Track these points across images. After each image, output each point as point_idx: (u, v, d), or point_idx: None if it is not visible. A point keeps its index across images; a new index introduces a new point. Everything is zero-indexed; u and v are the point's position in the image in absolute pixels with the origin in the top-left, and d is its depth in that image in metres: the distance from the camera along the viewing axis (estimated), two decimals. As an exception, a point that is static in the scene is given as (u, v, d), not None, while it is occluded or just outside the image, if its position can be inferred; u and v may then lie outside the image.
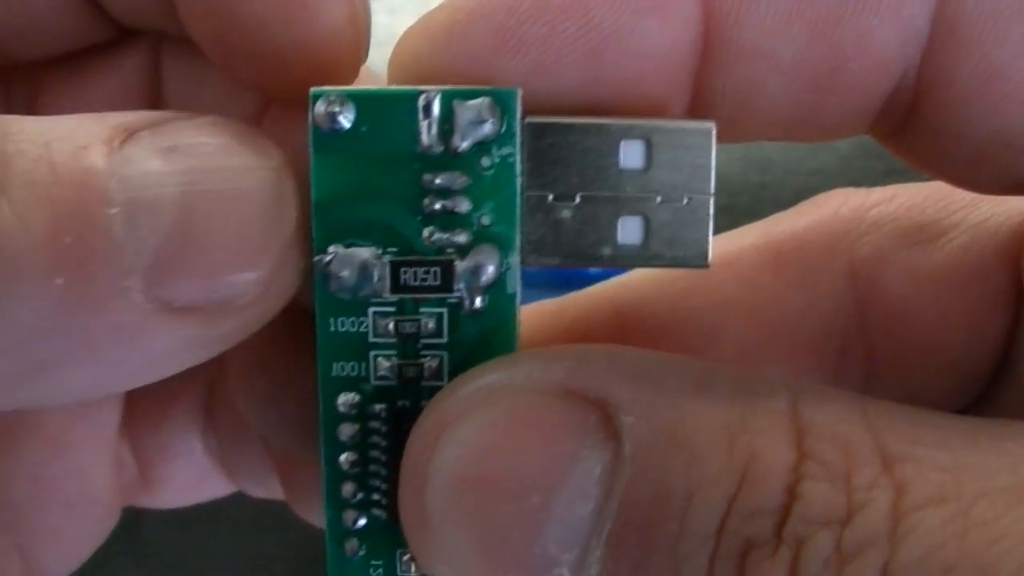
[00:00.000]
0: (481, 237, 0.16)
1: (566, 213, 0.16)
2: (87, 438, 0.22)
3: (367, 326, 0.16)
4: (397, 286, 0.16)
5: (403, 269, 0.16)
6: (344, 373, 0.17)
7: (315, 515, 0.22)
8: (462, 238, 0.16)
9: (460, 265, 0.16)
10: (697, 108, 0.17)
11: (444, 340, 0.16)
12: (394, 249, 0.16)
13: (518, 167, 0.16)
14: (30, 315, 0.14)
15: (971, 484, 0.13)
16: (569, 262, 0.16)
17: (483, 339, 0.16)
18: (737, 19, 0.16)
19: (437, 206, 0.16)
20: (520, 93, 0.16)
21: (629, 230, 0.16)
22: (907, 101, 0.17)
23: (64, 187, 0.14)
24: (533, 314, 0.20)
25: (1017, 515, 0.13)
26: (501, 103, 0.16)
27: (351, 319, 0.16)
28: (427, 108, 0.16)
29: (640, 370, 0.15)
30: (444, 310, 0.16)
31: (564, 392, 0.15)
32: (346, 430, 0.17)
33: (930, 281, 0.19)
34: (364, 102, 0.16)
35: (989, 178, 0.17)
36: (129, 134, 0.15)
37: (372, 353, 0.16)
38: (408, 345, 0.17)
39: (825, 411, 0.14)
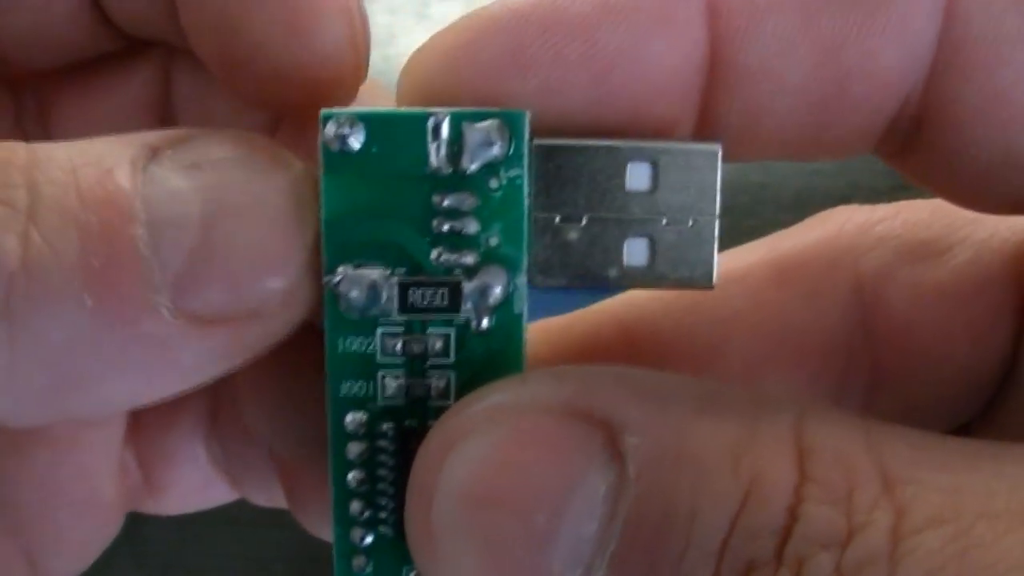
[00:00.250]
0: (489, 258, 0.16)
1: (573, 234, 0.16)
2: (93, 443, 0.22)
3: (375, 346, 0.17)
4: (405, 306, 0.16)
5: (411, 289, 0.16)
6: (352, 392, 0.17)
7: (319, 527, 0.23)
8: (470, 259, 0.16)
9: (468, 286, 0.16)
10: (703, 128, 0.17)
11: (451, 360, 0.17)
12: (403, 269, 0.16)
13: (526, 189, 0.16)
14: (62, 334, 0.15)
15: (971, 506, 0.14)
16: (576, 283, 0.16)
17: (490, 359, 0.17)
18: (743, 40, 0.16)
19: (446, 227, 0.16)
20: (529, 115, 0.16)
21: (635, 252, 0.16)
22: (912, 122, 0.17)
23: (91, 211, 0.15)
24: (540, 331, 0.20)
25: (1016, 538, 0.13)
26: (510, 125, 0.16)
27: (359, 338, 0.16)
28: (436, 130, 0.16)
29: (645, 390, 0.15)
30: (452, 330, 0.16)
31: (570, 412, 0.15)
32: (354, 448, 0.17)
33: (934, 297, 0.19)
34: (374, 123, 0.16)
35: (993, 198, 0.17)
36: (152, 153, 0.16)
37: (380, 372, 0.17)
38: (416, 365, 0.17)
39: (828, 432, 0.15)
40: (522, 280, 0.16)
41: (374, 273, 0.16)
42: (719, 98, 0.17)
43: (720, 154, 0.16)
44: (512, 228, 0.16)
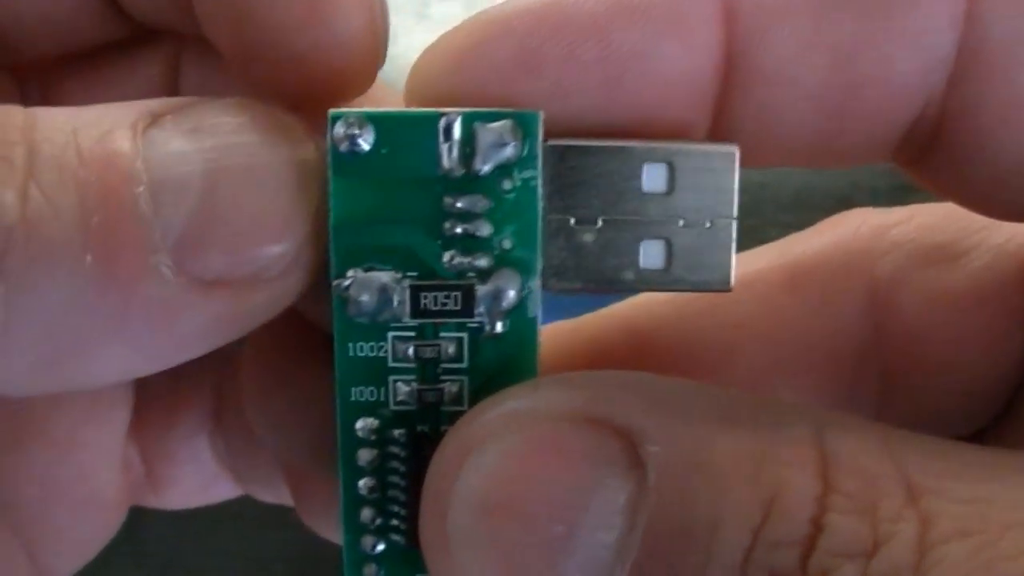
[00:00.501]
0: (502, 261, 0.16)
1: (588, 237, 0.16)
2: (96, 440, 0.22)
3: (386, 350, 0.16)
4: (417, 310, 0.16)
5: (423, 293, 0.16)
6: (363, 398, 0.16)
7: (326, 527, 0.22)
8: (483, 262, 0.16)
9: (481, 289, 0.16)
10: (717, 132, 0.17)
11: (464, 365, 0.16)
12: (414, 273, 0.16)
13: (540, 190, 0.16)
14: (62, 294, 0.14)
15: (997, 517, 0.13)
16: (591, 287, 0.16)
17: (504, 364, 0.16)
18: (759, 44, 0.16)
19: (458, 230, 0.16)
20: (542, 116, 0.16)
21: (651, 254, 0.16)
22: (930, 129, 0.17)
23: (90, 170, 0.14)
24: (550, 334, 0.20)
25: None
26: (523, 126, 0.16)
27: (370, 343, 0.16)
28: (448, 130, 0.16)
29: (664, 398, 0.15)
30: (464, 335, 0.16)
31: (588, 420, 0.15)
32: (365, 455, 0.17)
33: (948, 302, 0.19)
34: (384, 124, 0.16)
35: (1011, 205, 0.17)
36: (154, 118, 0.15)
37: (391, 378, 0.16)
38: (428, 370, 0.16)
39: (849, 442, 0.14)
40: (536, 284, 0.16)
41: (385, 277, 0.16)
42: (733, 102, 0.17)
43: (738, 156, 0.16)
44: (526, 231, 0.16)
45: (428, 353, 0.16)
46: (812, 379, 0.20)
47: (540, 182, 0.16)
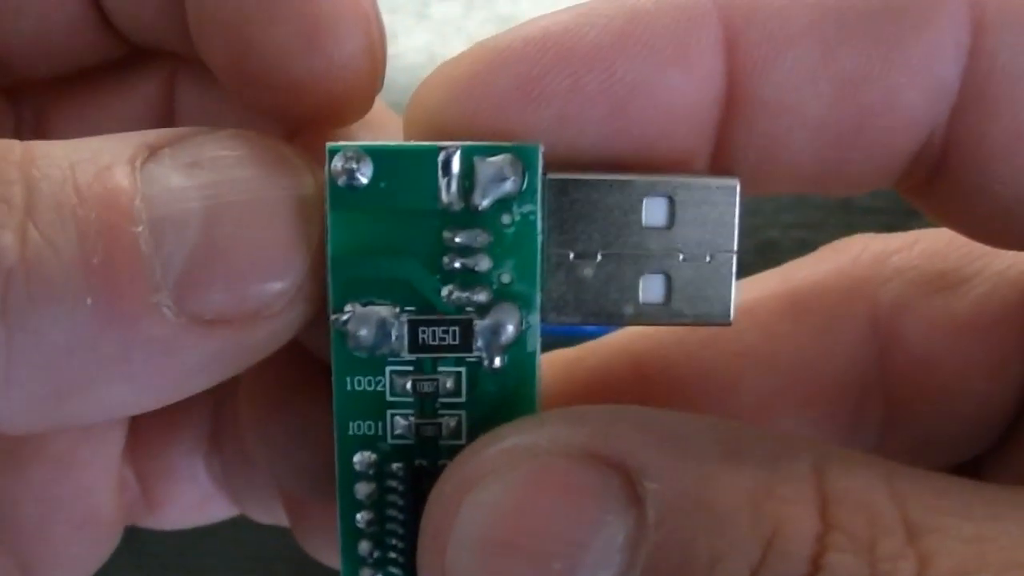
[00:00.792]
0: (501, 295, 0.16)
1: (588, 271, 0.16)
2: (92, 460, 0.22)
3: (384, 384, 0.16)
4: (415, 345, 0.16)
5: (421, 328, 0.16)
6: (361, 431, 0.16)
7: (323, 553, 0.22)
8: (482, 296, 0.16)
9: (480, 324, 0.16)
10: (720, 162, 0.17)
11: (463, 399, 0.16)
12: (412, 307, 0.16)
13: (539, 224, 0.16)
14: (63, 335, 0.14)
15: (995, 556, 0.13)
16: (590, 320, 0.16)
17: (503, 398, 0.16)
18: (762, 74, 0.16)
19: (457, 264, 0.16)
20: (542, 149, 0.16)
21: (651, 288, 0.16)
22: (935, 158, 0.17)
23: (89, 208, 0.14)
24: (551, 363, 0.20)
25: None
26: (523, 159, 0.15)
27: (368, 377, 0.16)
28: (447, 164, 0.16)
29: (664, 433, 0.15)
30: (463, 369, 0.16)
31: (588, 455, 0.15)
32: (363, 488, 0.16)
33: (951, 329, 0.19)
34: (382, 158, 0.16)
35: (1014, 235, 0.17)
36: (151, 152, 0.15)
37: (389, 412, 0.16)
38: (426, 404, 0.16)
39: (850, 478, 0.14)
40: (535, 318, 0.16)
41: (383, 311, 0.16)
42: (736, 131, 0.16)
43: (739, 189, 0.16)
44: (525, 265, 0.16)
45: (426, 387, 0.16)
46: (815, 407, 0.20)
47: (540, 216, 0.16)
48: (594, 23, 0.16)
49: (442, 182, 0.16)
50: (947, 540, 0.14)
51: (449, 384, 0.16)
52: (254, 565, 0.41)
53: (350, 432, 0.16)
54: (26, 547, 0.21)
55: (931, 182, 0.17)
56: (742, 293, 0.20)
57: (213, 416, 0.23)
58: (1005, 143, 0.16)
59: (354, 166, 0.15)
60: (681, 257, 0.16)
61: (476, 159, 0.15)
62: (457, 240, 0.16)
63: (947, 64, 0.16)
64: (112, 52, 0.21)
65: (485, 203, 0.16)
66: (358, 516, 0.17)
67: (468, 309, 0.16)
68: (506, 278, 0.16)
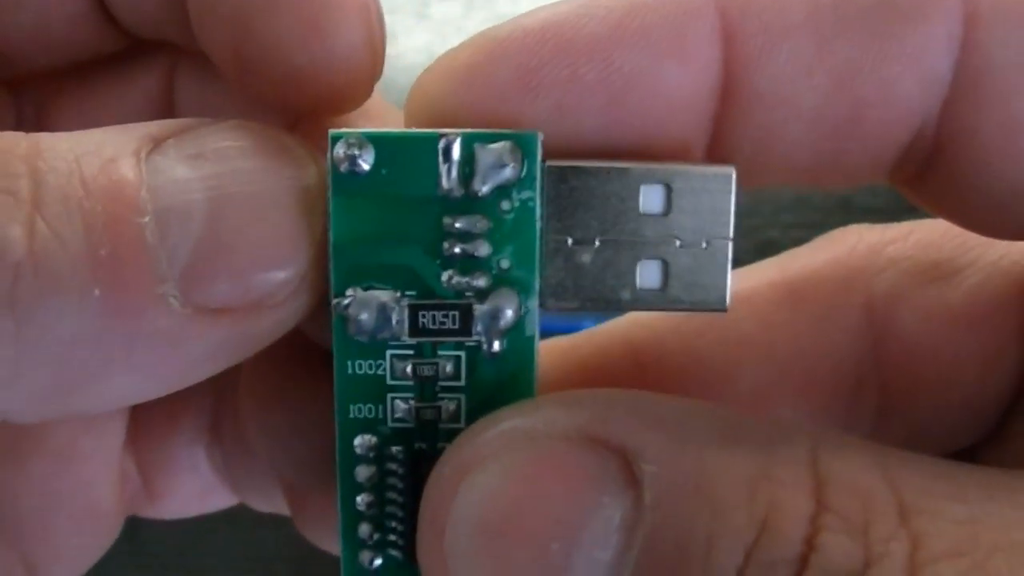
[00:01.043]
0: (500, 281, 0.16)
1: (586, 257, 0.16)
2: (93, 452, 0.22)
3: (385, 368, 0.16)
4: (416, 329, 0.16)
5: (422, 312, 0.16)
6: (361, 415, 0.17)
7: (323, 540, 0.22)
8: (481, 282, 0.16)
9: (479, 309, 0.16)
10: (716, 152, 0.17)
11: (462, 383, 0.16)
12: (413, 292, 0.16)
13: (538, 211, 0.16)
14: (71, 327, 0.14)
15: (987, 538, 0.13)
16: (588, 306, 0.16)
17: (502, 382, 0.16)
18: (758, 66, 0.16)
19: (457, 249, 0.16)
20: (541, 137, 0.16)
21: (648, 274, 0.16)
22: (928, 150, 0.17)
23: (96, 200, 0.14)
24: (548, 351, 0.20)
25: None
26: (522, 147, 0.16)
27: (369, 361, 0.16)
28: (448, 151, 0.16)
29: (661, 417, 0.15)
30: (462, 353, 0.16)
31: (586, 439, 0.15)
32: (363, 471, 0.17)
33: (945, 319, 0.19)
34: (384, 144, 0.16)
35: (1006, 225, 0.17)
36: (156, 143, 0.15)
37: (390, 395, 0.16)
38: (426, 388, 0.16)
39: (845, 462, 0.14)
40: (534, 303, 0.16)
41: (384, 296, 0.16)
42: (732, 122, 0.17)
43: (735, 177, 0.16)
44: (524, 251, 0.16)
45: (426, 371, 0.16)
46: (811, 395, 0.20)
47: (539, 203, 0.16)
48: (593, 14, 0.16)
49: (443, 169, 0.16)
50: (940, 522, 0.14)
51: (449, 368, 0.16)
52: (254, 565, 0.41)
53: (351, 415, 0.17)
54: (28, 540, 0.21)
55: (925, 173, 0.17)
56: (739, 282, 0.20)
57: (214, 406, 0.23)
58: (997, 134, 0.16)
59: (356, 152, 0.16)
60: (678, 244, 0.16)
61: (476, 146, 0.16)
62: (457, 226, 0.16)
63: (940, 56, 0.16)
64: (112, 45, 0.21)
65: (485, 190, 0.16)
66: (358, 499, 0.17)
67: (468, 294, 0.16)
68: (505, 264, 0.16)
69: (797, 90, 0.16)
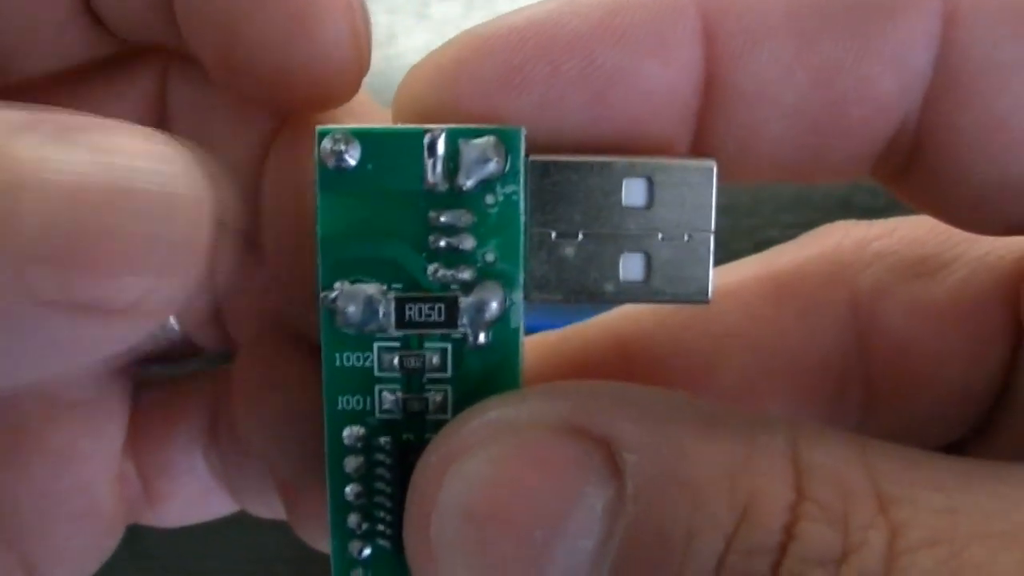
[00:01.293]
0: (485, 274, 0.16)
1: (569, 250, 0.16)
2: (92, 454, 0.22)
3: (372, 360, 0.17)
4: (402, 322, 0.16)
5: (408, 305, 0.16)
6: (349, 406, 0.17)
7: (318, 540, 0.23)
8: (467, 275, 0.16)
9: (464, 301, 0.16)
10: (699, 148, 0.17)
11: (448, 375, 0.17)
12: (399, 285, 0.16)
13: (522, 205, 0.16)
14: None
15: (965, 527, 0.14)
16: (572, 298, 0.17)
17: (487, 374, 0.17)
18: (739, 64, 0.16)
19: (442, 243, 0.16)
20: (525, 132, 0.16)
21: (631, 267, 0.17)
22: (908, 146, 0.17)
23: None
24: (536, 345, 0.20)
25: (1009, 558, 0.13)
26: (506, 142, 0.16)
27: (356, 354, 0.17)
28: (433, 146, 0.16)
29: (644, 408, 0.15)
30: (448, 345, 0.17)
31: (569, 429, 0.15)
32: (351, 462, 0.17)
33: (930, 314, 0.20)
34: (370, 140, 0.16)
35: (988, 221, 0.18)
36: (35, 124, 0.14)
37: (377, 387, 0.17)
38: (413, 379, 0.17)
39: (824, 452, 0.15)
40: (518, 296, 0.16)
41: (371, 289, 0.16)
42: (715, 119, 0.17)
43: (715, 170, 0.16)
44: (508, 244, 0.16)
45: (413, 363, 0.17)
46: (797, 388, 0.20)
47: (522, 197, 0.16)
48: (576, 12, 0.16)
49: (428, 164, 0.16)
50: (918, 511, 0.14)
51: (435, 360, 0.17)
52: (254, 566, 0.41)
53: (339, 407, 0.17)
54: (28, 543, 0.21)
55: (907, 169, 0.18)
56: (726, 276, 0.20)
57: (211, 408, 0.23)
58: (976, 130, 0.16)
59: (342, 148, 0.16)
60: (660, 237, 0.16)
61: (461, 141, 0.16)
62: (442, 220, 0.16)
63: (919, 54, 0.16)
64: (102, 50, 0.21)
65: (469, 184, 0.16)
66: (347, 489, 0.17)
67: (453, 287, 0.16)
68: (490, 257, 0.16)
69: (778, 88, 0.16)
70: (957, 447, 0.20)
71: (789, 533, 0.14)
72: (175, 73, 0.21)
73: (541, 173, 0.16)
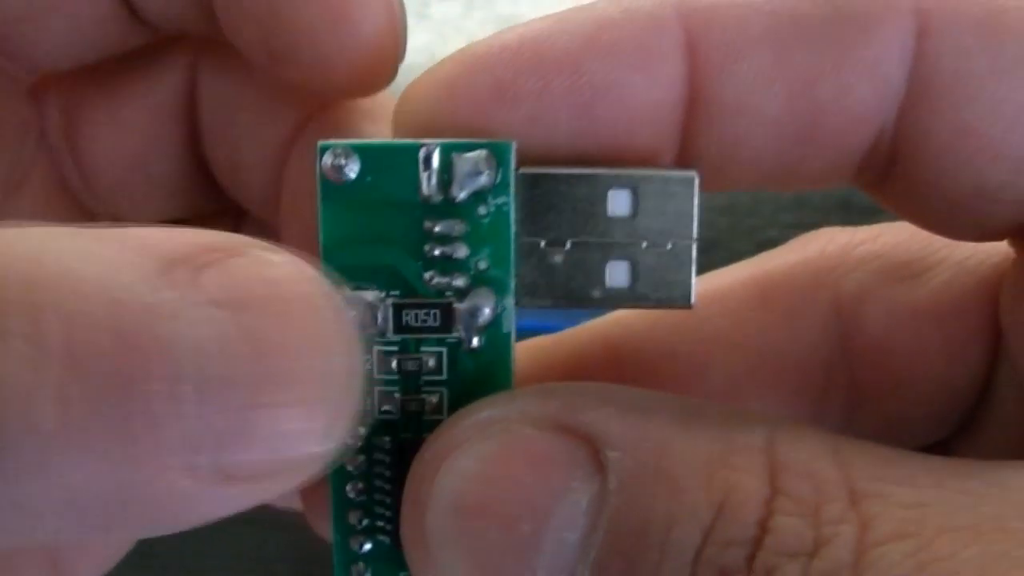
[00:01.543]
0: (478, 280, 0.17)
1: (558, 258, 0.17)
2: None
3: (371, 363, 0.17)
4: (400, 326, 0.17)
5: (405, 311, 0.17)
6: None
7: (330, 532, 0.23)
8: (461, 281, 0.17)
9: (459, 307, 0.17)
10: (684, 159, 0.18)
11: (444, 377, 0.18)
12: (397, 292, 0.17)
13: (512, 215, 0.17)
14: (63, 490, 0.13)
15: (933, 521, 0.14)
16: (561, 304, 0.17)
17: (480, 376, 0.17)
18: (721, 78, 0.17)
19: (437, 251, 0.17)
20: (515, 146, 0.17)
21: (617, 274, 0.17)
22: (886, 154, 0.18)
23: (105, 357, 0.12)
24: (529, 350, 0.21)
25: (974, 551, 0.14)
26: (497, 155, 0.17)
27: None
28: (427, 160, 0.17)
29: (627, 407, 0.16)
30: (444, 349, 0.17)
31: (556, 427, 0.16)
32: (352, 461, 0.18)
33: (912, 316, 0.20)
34: (369, 154, 0.17)
35: (965, 227, 0.18)
36: (173, 269, 0.13)
37: (376, 389, 0.18)
38: (410, 381, 0.18)
39: (799, 448, 0.15)
40: (510, 301, 0.17)
41: (370, 295, 0.17)
42: (698, 131, 0.18)
43: (697, 181, 0.17)
44: (500, 252, 0.17)
45: (410, 366, 0.17)
46: (782, 390, 0.21)
47: (513, 207, 0.17)
48: (565, 29, 0.17)
49: (423, 176, 0.17)
50: (888, 505, 0.14)
51: (431, 363, 0.17)
52: (254, 565, 0.41)
53: None
54: None
55: (885, 177, 0.18)
56: (713, 282, 0.21)
57: None
58: (949, 139, 0.17)
59: (343, 162, 0.17)
60: (644, 245, 0.17)
61: (454, 155, 0.17)
62: (437, 229, 0.17)
63: (894, 65, 0.17)
64: (136, 41, 0.22)
65: (462, 195, 0.17)
66: (348, 486, 0.18)
67: (448, 293, 0.17)
68: (482, 264, 0.17)
69: (759, 100, 0.17)
70: (942, 447, 0.21)
71: (764, 527, 0.14)
72: (205, 65, 0.22)
73: (530, 184, 0.17)
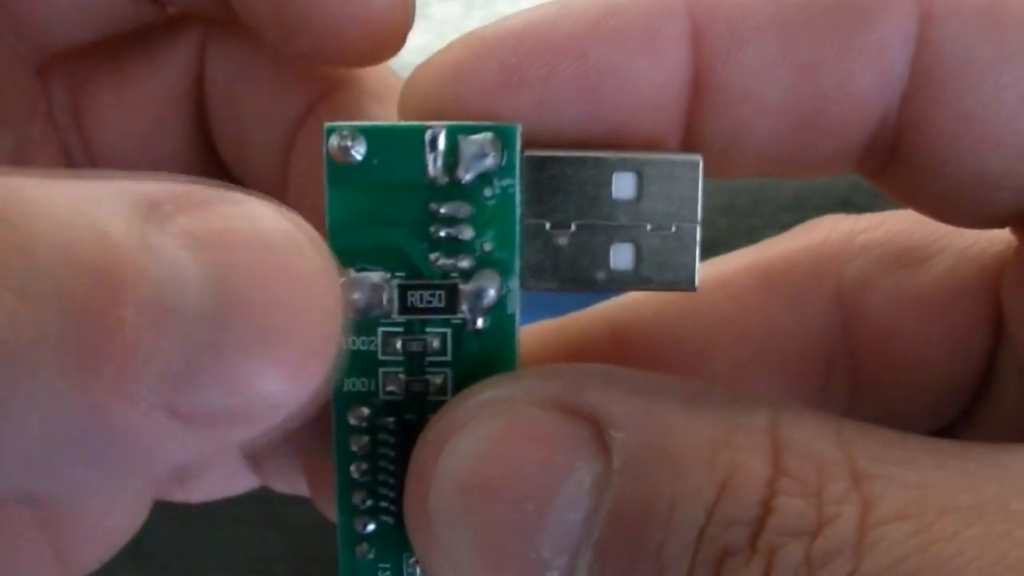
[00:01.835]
0: (483, 262, 0.17)
1: (562, 240, 0.17)
2: None
3: (376, 344, 0.18)
4: (405, 307, 0.17)
5: (411, 292, 0.17)
6: (355, 388, 0.18)
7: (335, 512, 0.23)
8: (466, 263, 0.17)
9: (464, 288, 0.17)
10: (689, 144, 0.18)
11: (448, 358, 0.18)
12: (402, 273, 0.17)
13: (518, 197, 0.17)
14: (34, 423, 0.13)
15: (935, 502, 0.14)
16: (566, 286, 0.17)
17: (485, 357, 0.18)
18: (725, 63, 0.17)
19: (443, 233, 0.17)
20: (520, 129, 0.17)
21: (621, 256, 0.17)
22: (889, 141, 0.18)
23: (78, 283, 0.12)
24: (534, 333, 0.21)
25: (975, 532, 0.14)
26: (502, 138, 0.17)
27: (362, 338, 0.17)
28: (433, 142, 0.17)
29: (632, 388, 0.16)
30: (448, 330, 0.18)
31: (560, 407, 0.16)
32: (357, 442, 0.18)
33: (914, 303, 0.20)
34: (375, 136, 0.17)
35: (968, 214, 0.18)
36: (154, 211, 0.13)
37: (381, 370, 0.18)
38: (415, 362, 0.18)
39: (802, 429, 0.15)
40: (515, 283, 0.17)
41: (375, 276, 0.17)
42: (703, 116, 0.18)
43: (701, 165, 0.17)
44: (505, 234, 0.17)
45: (415, 347, 0.18)
46: (785, 375, 0.21)
47: (518, 189, 0.17)
48: (571, 15, 0.17)
49: (429, 158, 0.17)
50: (890, 486, 0.15)
51: (436, 344, 0.18)
52: (254, 565, 0.41)
53: (345, 389, 0.18)
54: (58, 523, 0.22)
55: (888, 164, 0.18)
56: (717, 267, 0.21)
57: None
58: (951, 126, 0.17)
59: (349, 144, 0.17)
60: (648, 227, 0.17)
61: (460, 137, 0.17)
62: (443, 211, 0.17)
63: (897, 52, 0.17)
64: (143, 18, 0.22)
65: (468, 177, 0.17)
66: (352, 467, 0.18)
67: (453, 275, 0.17)
68: (488, 246, 0.17)
69: (763, 86, 0.17)
70: (946, 433, 0.21)
71: (766, 507, 0.15)
72: (213, 45, 0.22)
73: (536, 167, 0.17)
